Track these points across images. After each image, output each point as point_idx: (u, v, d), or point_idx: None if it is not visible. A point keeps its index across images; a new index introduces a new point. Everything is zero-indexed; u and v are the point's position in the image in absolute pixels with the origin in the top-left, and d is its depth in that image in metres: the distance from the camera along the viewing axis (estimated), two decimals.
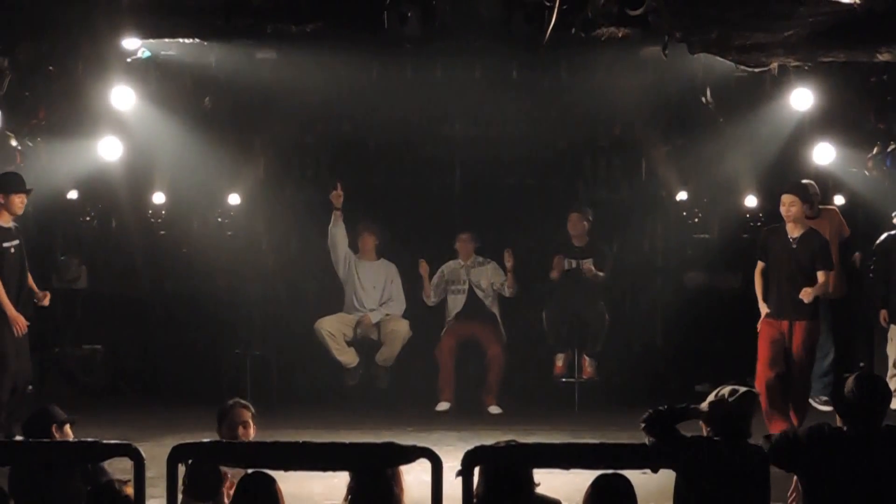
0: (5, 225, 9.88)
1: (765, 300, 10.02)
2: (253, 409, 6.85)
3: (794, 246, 9.86)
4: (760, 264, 10.13)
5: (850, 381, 5.72)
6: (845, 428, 5.68)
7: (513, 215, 12.96)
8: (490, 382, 11.77)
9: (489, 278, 12.08)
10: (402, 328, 11.92)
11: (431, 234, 12.73)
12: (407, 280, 12.29)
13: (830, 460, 5.59)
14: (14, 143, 10.83)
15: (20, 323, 9.74)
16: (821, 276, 9.81)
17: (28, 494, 6.17)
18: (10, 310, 9.70)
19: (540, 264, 12.27)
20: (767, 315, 9.94)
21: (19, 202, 9.89)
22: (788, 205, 9.90)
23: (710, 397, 5.83)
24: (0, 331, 9.69)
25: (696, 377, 12.07)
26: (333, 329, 11.83)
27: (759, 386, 9.72)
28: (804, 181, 10.63)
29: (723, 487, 5.57)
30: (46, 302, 10.22)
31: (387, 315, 12.04)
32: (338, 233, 12.02)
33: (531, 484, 5.59)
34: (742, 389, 5.78)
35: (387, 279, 12.18)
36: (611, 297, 12.25)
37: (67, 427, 6.74)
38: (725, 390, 5.79)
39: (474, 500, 5.50)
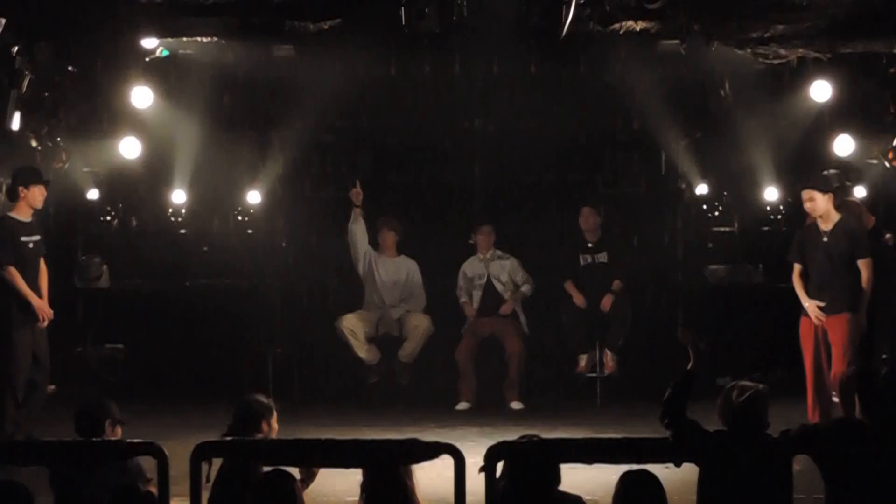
0: (24, 219, 9.83)
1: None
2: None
3: (826, 240, 9.59)
4: (797, 267, 9.75)
5: (879, 378, 5.68)
6: (867, 422, 5.65)
7: (532, 210, 12.95)
8: (511, 378, 11.74)
9: (510, 273, 12.05)
10: (425, 324, 11.91)
11: (450, 229, 12.73)
12: (426, 276, 12.27)
13: (853, 454, 5.56)
14: (34, 143, 10.87)
15: (46, 311, 9.75)
16: (862, 266, 9.49)
17: (70, 493, 6.18)
18: (35, 299, 9.70)
19: (554, 259, 12.27)
20: (806, 313, 9.63)
21: (39, 195, 9.84)
22: (807, 200, 9.60)
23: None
24: (21, 326, 9.70)
25: (718, 370, 12.04)
26: (355, 326, 11.83)
27: (809, 386, 9.62)
28: (825, 172, 10.45)
29: (744, 481, 5.56)
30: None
31: (407, 311, 12.03)
32: (357, 230, 12.00)
33: (557, 480, 5.57)
34: (750, 389, 5.76)
35: (407, 275, 12.16)
36: (632, 291, 12.21)
37: (119, 427, 6.72)
38: (734, 391, 5.78)
39: (497, 495, 5.49)
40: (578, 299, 11.83)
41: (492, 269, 12.07)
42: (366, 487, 5.82)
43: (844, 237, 9.55)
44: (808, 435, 5.74)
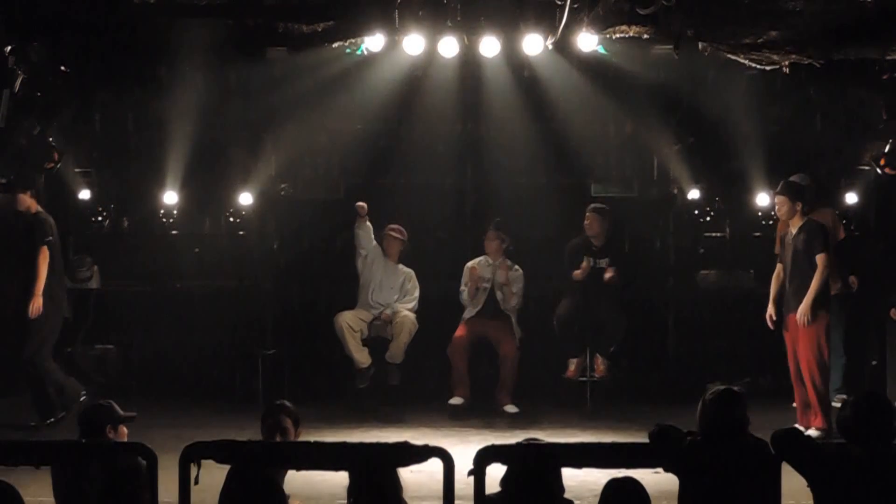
0: None
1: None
2: (295, 414, 6.89)
3: (791, 240, 10.12)
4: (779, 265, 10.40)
5: (850, 405, 5.64)
6: (852, 447, 5.57)
7: (523, 213, 12.93)
8: (504, 380, 11.69)
9: (512, 286, 11.97)
10: (408, 320, 11.79)
11: (441, 232, 12.72)
12: (422, 282, 12.24)
13: (840, 478, 5.49)
14: (25, 142, 10.86)
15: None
16: (819, 259, 9.92)
17: (69, 493, 6.17)
18: None
19: (547, 263, 12.26)
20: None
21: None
22: (779, 205, 10.26)
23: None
24: None
25: (708, 376, 12.04)
26: (353, 323, 11.76)
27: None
28: (791, 178, 10.57)
29: (726, 486, 5.52)
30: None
31: (398, 308, 11.98)
32: (363, 234, 11.93)
33: (560, 488, 5.51)
34: (721, 389, 5.76)
35: (403, 282, 12.08)
36: (624, 296, 12.21)
37: (123, 427, 6.68)
38: (708, 396, 5.77)
39: (495, 494, 5.46)
40: (578, 273, 11.79)
41: (499, 276, 11.99)
42: (353, 491, 5.79)
43: (806, 237, 10.10)
44: (799, 446, 5.67)
